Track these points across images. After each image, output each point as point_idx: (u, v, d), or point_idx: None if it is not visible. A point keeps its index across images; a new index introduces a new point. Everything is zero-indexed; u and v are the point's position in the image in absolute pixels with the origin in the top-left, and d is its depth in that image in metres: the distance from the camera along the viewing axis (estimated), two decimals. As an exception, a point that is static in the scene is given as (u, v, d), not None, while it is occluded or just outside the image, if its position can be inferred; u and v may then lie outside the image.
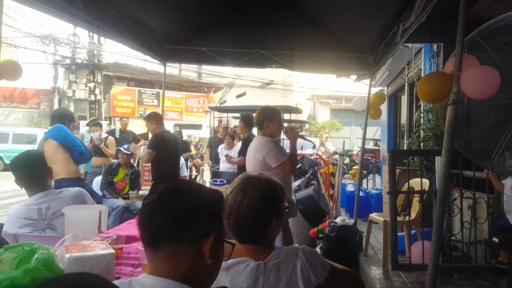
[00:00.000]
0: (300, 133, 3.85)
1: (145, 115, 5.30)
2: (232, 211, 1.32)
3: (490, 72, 2.12)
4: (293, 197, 4.02)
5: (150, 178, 7.20)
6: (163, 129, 4.85)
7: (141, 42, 4.97)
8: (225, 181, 4.54)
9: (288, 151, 3.47)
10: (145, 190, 6.51)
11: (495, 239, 2.38)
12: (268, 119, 3.44)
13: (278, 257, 1.30)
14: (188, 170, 8.26)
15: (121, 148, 5.43)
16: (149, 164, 6.30)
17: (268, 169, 3.26)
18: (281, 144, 5.05)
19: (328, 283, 1.27)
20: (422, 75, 5.74)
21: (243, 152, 5.28)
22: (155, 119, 4.77)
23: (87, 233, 2.03)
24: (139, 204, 5.04)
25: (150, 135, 6.93)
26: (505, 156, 2.80)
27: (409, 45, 5.93)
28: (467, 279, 3.69)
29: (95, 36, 17.85)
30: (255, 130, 6.62)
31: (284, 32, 5.39)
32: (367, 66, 5.56)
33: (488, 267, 3.65)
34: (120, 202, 4.99)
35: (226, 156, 6.23)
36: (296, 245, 1.40)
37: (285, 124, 8.10)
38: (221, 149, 7.04)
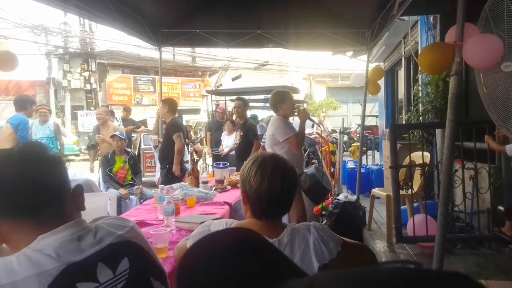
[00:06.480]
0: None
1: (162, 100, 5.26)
2: (263, 186, 1.32)
3: (493, 40, 2.09)
4: (304, 170, 4.33)
5: (153, 165, 7.19)
6: (174, 115, 4.95)
7: (135, 27, 4.90)
8: (228, 164, 4.56)
9: (297, 129, 3.87)
10: (148, 176, 6.43)
11: (501, 208, 2.40)
12: (280, 101, 3.89)
13: (291, 234, 1.32)
14: (190, 155, 8.33)
15: (117, 133, 5.13)
16: (151, 151, 6.32)
17: (276, 143, 3.79)
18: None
19: (341, 257, 1.28)
20: (419, 48, 5.70)
21: (247, 137, 5.65)
22: (167, 104, 4.93)
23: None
24: (148, 191, 4.92)
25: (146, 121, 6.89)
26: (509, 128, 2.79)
27: (405, 18, 5.87)
28: (471, 248, 3.75)
29: (86, 23, 17.57)
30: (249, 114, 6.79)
31: (279, 9, 5.30)
32: (364, 41, 5.52)
33: (491, 236, 3.69)
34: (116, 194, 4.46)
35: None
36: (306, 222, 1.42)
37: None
38: (224, 136, 7.07)
